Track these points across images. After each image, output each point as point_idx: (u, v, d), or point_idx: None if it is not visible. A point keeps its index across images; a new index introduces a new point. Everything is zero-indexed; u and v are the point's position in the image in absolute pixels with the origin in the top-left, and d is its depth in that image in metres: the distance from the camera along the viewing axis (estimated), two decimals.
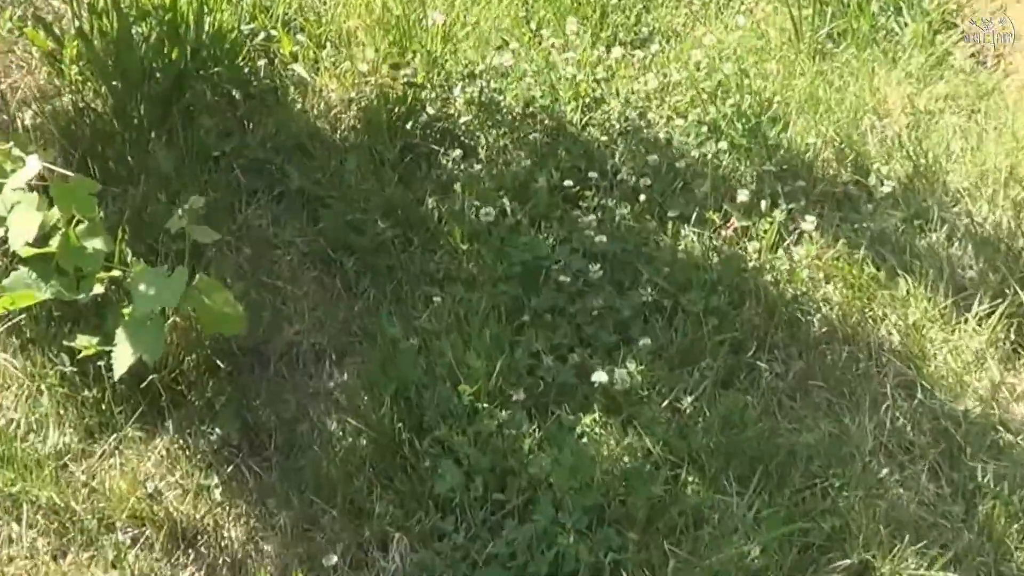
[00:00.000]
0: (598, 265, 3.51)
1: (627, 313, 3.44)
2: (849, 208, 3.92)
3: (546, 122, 4.16)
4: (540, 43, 4.56)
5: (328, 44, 4.51)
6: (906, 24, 4.76)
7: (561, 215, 3.77)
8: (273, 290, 3.65)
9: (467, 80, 4.29)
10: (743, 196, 3.80)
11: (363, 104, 4.21)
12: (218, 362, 3.38)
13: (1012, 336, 3.48)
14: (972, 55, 4.69)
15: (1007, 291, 3.53)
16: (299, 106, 4.27)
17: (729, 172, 3.98)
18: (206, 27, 4.17)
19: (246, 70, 4.32)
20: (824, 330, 3.49)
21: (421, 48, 4.41)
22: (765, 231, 3.72)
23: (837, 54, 4.64)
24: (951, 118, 4.35)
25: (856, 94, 4.40)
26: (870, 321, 3.53)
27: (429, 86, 4.26)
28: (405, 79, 4.25)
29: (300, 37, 4.49)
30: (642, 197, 3.82)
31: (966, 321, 3.49)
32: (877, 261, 3.66)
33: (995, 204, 3.94)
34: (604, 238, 3.64)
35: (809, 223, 3.72)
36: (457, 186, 3.85)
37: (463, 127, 4.16)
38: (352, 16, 4.54)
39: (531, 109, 4.21)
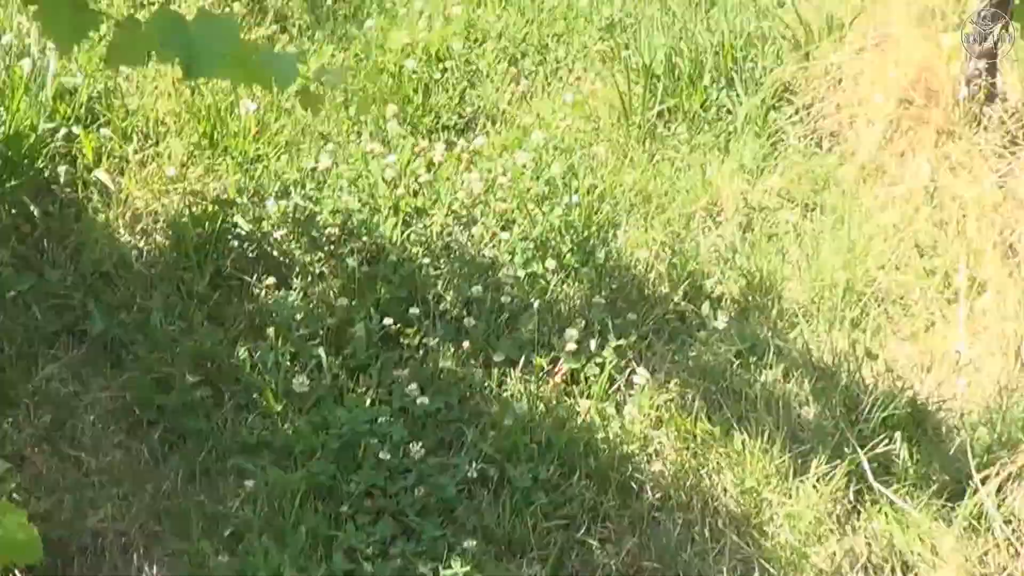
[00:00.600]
0: (420, 444, 3.28)
1: (451, 492, 3.23)
2: (682, 338, 3.75)
3: (365, 239, 3.90)
4: (359, 134, 4.29)
5: (135, 137, 4.19)
6: (739, 98, 4.59)
7: (381, 367, 3.53)
8: (75, 464, 3.36)
9: (280, 193, 4.00)
10: (572, 335, 3.60)
11: (171, 216, 3.90)
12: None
13: (851, 493, 3.36)
14: (806, 135, 4.54)
15: (845, 447, 3.41)
16: (103, 217, 3.95)
17: (558, 299, 3.78)
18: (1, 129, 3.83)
19: (45, 174, 3.98)
20: (658, 495, 3.34)
21: (232, 144, 4.12)
22: (595, 376, 3.53)
23: (668, 137, 4.47)
24: (786, 214, 4.21)
25: (688, 189, 4.23)
26: (705, 480, 3.39)
27: (240, 201, 3.96)
28: (215, 195, 3.96)
29: (105, 131, 4.15)
30: (466, 343, 3.59)
31: (804, 481, 3.35)
32: (711, 411, 3.51)
33: (833, 323, 3.82)
34: (426, 400, 3.41)
35: (641, 375, 3.54)
36: (270, 331, 3.57)
37: (277, 247, 3.88)
38: (161, 100, 4.23)
39: (349, 224, 3.94)
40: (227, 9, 4.96)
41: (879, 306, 3.93)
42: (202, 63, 2.57)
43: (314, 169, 4.08)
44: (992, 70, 4.50)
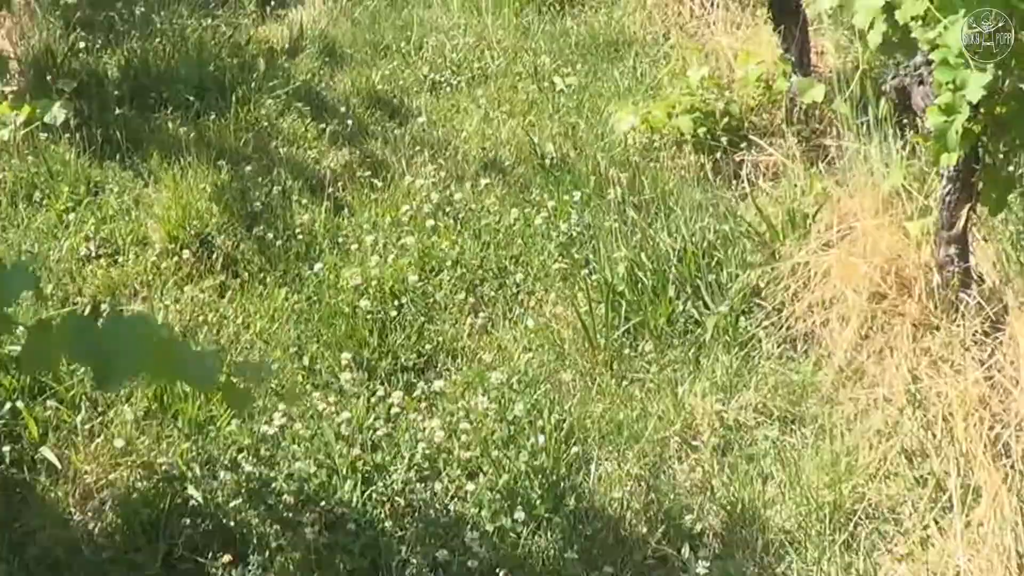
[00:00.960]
0: None
1: None
2: None
3: (323, 504, 3.70)
4: (315, 387, 4.13)
5: (83, 405, 4.04)
6: (706, 308, 4.44)
7: None
8: None
9: (232, 462, 3.82)
10: None
11: (121, 493, 3.72)
12: None
13: None
14: (780, 341, 4.37)
15: None
16: (51, 496, 3.77)
17: (530, 553, 3.56)
18: None
19: None
20: None
21: (182, 408, 3.96)
22: None
23: (636, 358, 4.30)
24: (765, 430, 4.02)
25: (660, 413, 4.05)
26: None
27: (191, 473, 3.78)
28: (165, 469, 3.79)
29: (51, 402, 4.00)
30: None
31: None
32: None
33: (823, 550, 3.59)
34: None
35: None
36: None
37: (232, 519, 3.68)
38: None
39: (306, 490, 3.74)
40: (175, 259, 4.86)
41: (870, 524, 3.71)
42: (114, 370, 2.41)
43: (266, 433, 3.89)
44: (964, 254, 4.35)
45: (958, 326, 4.26)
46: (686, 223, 4.80)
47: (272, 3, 8.56)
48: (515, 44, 7.42)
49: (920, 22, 3.90)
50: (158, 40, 7.17)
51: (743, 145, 5.61)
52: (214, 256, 4.88)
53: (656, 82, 6.54)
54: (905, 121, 4.88)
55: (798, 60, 5.78)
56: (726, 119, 5.63)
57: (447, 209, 5.14)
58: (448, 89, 6.80)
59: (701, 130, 5.55)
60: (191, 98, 6.41)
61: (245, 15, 8.27)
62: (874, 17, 3.52)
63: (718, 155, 5.53)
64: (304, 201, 5.28)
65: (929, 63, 4.15)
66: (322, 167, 5.73)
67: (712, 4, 7.43)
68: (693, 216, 4.87)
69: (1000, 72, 3.63)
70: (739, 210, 5.04)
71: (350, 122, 6.21)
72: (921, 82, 4.32)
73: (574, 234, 4.88)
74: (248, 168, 5.57)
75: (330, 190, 5.36)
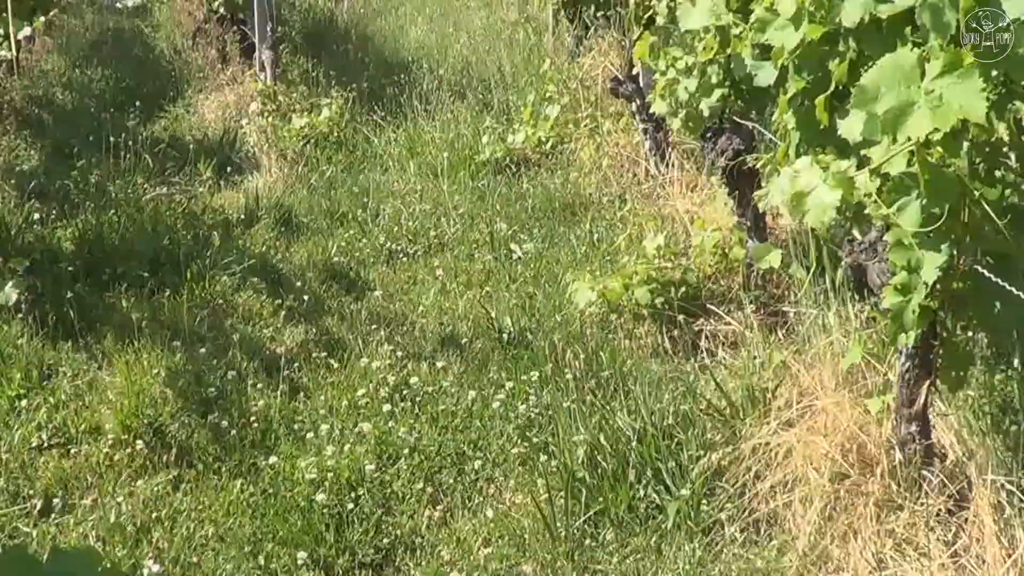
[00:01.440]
0: None
1: None
2: None
3: None
4: None
5: None
6: (668, 492, 4.36)
7: None
8: None
9: None
10: None
11: None
12: None
13: None
14: (743, 526, 4.29)
15: None
16: None
17: None
18: None
19: None
20: None
21: None
22: None
23: (597, 548, 4.21)
24: None
25: None
26: None
27: None
28: None
29: None
30: None
31: None
32: None
33: None
34: None
35: None
36: None
37: None
38: None
39: None
40: (128, 449, 4.76)
41: None
42: None
43: None
44: (925, 431, 4.31)
45: (922, 504, 4.20)
46: (645, 402, 4.74)
47: (228, 169, 8.59)
48: (472, 209, 7.45)
49: (870, 198, 3.91)
50: (113, 211, 7.14)
51: (701, 314, 5.59)
52: (168, 446, 4.77)
53: (613, 247, 6.55)
54: (862, 294, 4.88)
55: (754, 224, 5.81)
56: (683, 288, 5.62)
57: (404, 391, 5.08)
58: (405, 259, 6.79)
59: (658, 300, 5.54)
60: (145, 274, 6.38)
61: (201, 183, 8.29)
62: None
63: (676, 326, 5.51)
64: (259, 385, 5.20)
65: (884, 238, 4.16)
66: (278, 346, 5.66)
67: (667, 165, 7.50)
68: (652, 393, 4.81)
69: (955, 251, 3.63)
70: (698, 384, 4.99)
71: (306, 297, 6.17)
72: (877, 258, 4.31)
73: (532, 415, 4.82)
74: (203, 349, 5.50)
75: (286, 372, 5.29)
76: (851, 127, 3.57)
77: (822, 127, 3.81)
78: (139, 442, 4.78)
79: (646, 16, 7.16)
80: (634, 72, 7.71)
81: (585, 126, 8.55)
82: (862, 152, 3.60)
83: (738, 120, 5.70)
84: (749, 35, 4.36)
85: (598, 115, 8.57)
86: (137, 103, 10.80)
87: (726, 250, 5.73)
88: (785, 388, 4.70)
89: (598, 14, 9.66)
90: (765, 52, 4.38)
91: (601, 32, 9.83)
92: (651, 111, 7.47)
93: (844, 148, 3.75)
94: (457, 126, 9.12)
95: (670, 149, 7.56)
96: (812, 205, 3.13)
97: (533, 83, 9.97)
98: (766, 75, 4.16)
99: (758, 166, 4.53)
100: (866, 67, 3.55)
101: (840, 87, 3.70)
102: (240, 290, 6.30)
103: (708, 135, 5.81)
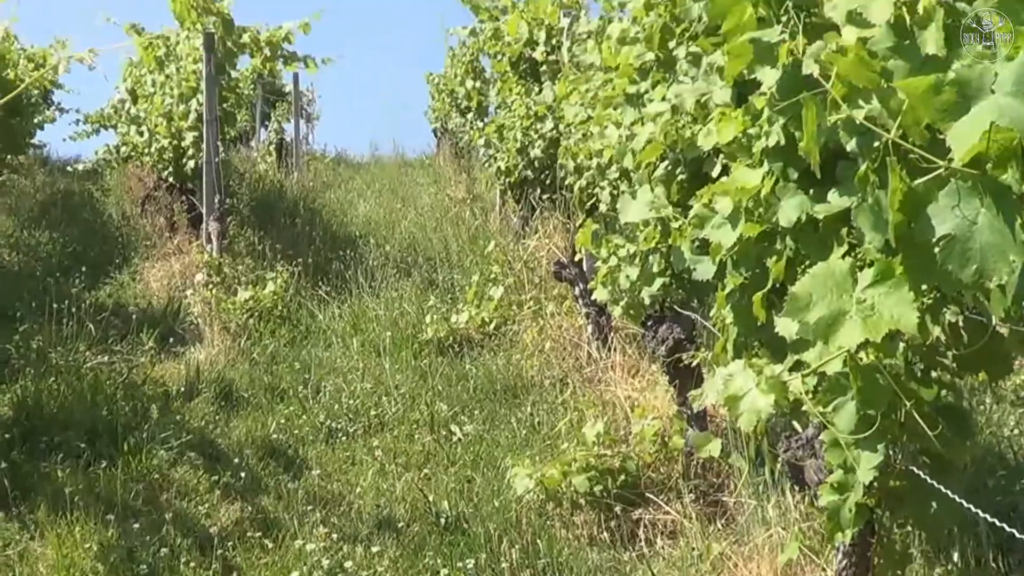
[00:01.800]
0: None
1: None
2: None
3: None
4: None
5: None
6: None
7: None
8: None
9: None
10: None
11: None
12: None
13: None
14: None
15: None
16: None
17: None
18: None
19: None
20: None
21: None
22: None
23: None
24: None
25: None
26: None
27: None
28: None
29: None
30: None
31: None
32: None
33: None
34: None
35: None
36: None
37: None
38: None
39: None
40: None
41: None
42: None
43: None
44: None
45: None
46: None
47: (171, 340, 8.57)
48: (413, 389, 7.45)
49: (811, 395, 3.95)
50: (53, 379, 7.07)
51: (640, 503, 5.58)
52: None
53: (553, 432, 6.55)
54: (798, 496, 4.89)
55: (693, 413, 5.84)
56: (623, 476, 5.62)
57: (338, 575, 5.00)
58: (344, 438, 6.76)
59: (597, 488, 5.52)
60: (82, 445, 6.29)
61: (143, 352, 8.25)
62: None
63: (614, 515, 5.48)
64: (192, 563, 5.10)
65: (820, 435, 4.20)
66: (213, 524, 5.57)
67: (609, 349, 7.55)
68: None
69: (891, 450, 3.66)
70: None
71: (243, 474, 6.10)
72: (814, 455, 4.34)
73: None
74: (136, 524, 5.41)
75: (220, 551, 5.19)
76: (787, 326, 3.63)
77: (759, 323, 3.87)
78: None
79: (590, 202, 7.31)
80: (577, 257, 7.83)
81: (529, 308, 8.63)
82: (798, 353, 3.66)
83: (679, 309, 5.79)
84: (688, 230, 4.45)
85: (542, 297, 8.67)
86: (83, 268, 10.81)
87: (666, 439, 5.74)
88: None
89: (544, 196, 9.84)
90: (704, 245, 4.47)
91: (547, 214, 10.00)
92: (593, 296, 7.60)
93: (781, 344, 3.81)
94: (401, 304, 9.19)
95: (612, 333, 7.64)
96: (745, 409, 3.17)
97: (478, 263, 10.09)
98: (705, 270, 4.23)
99: (694, 363, 4.57)
100: (803, 265, 3.65)
101: (777, 284, 3.78)
102: (177, 464, 6.22)
103: (649, 323, 5.89)
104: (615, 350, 7.47)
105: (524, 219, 10.57)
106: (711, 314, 4.19)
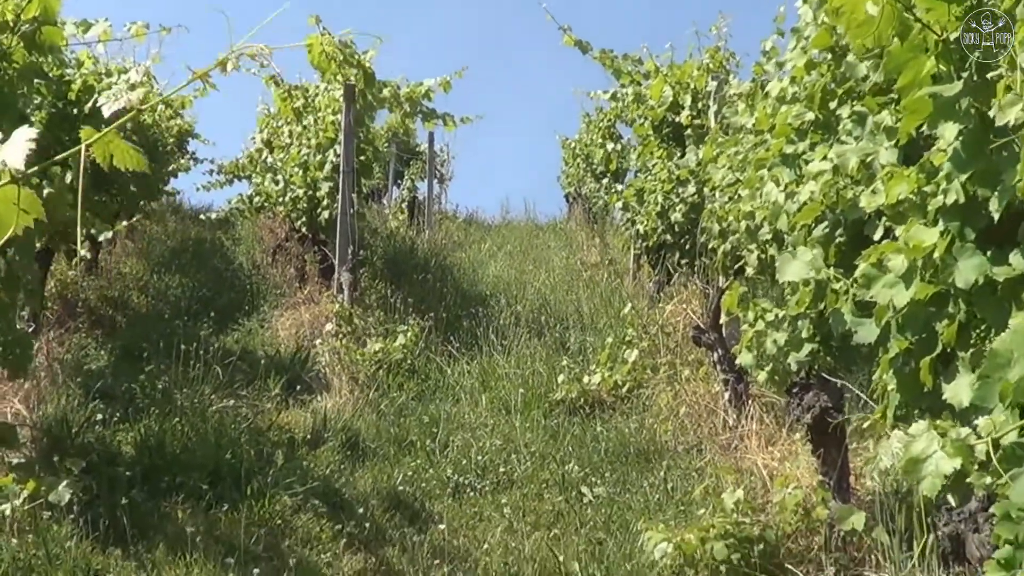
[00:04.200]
0: None
1: None
2: None
3: None
4: None
5: None
6: None
7: None
8: None
9: None
10: None
11: None
12: None
13: None
14: None
15: None
16: None
17: None
18: None
19: None
20: None
21: None
22: None
23: None
24: None
25: None
26: None
27: None
28: None
29: None
30: None
31: None
32: None
33: None
34: None
35: None
36: None
37: None
38: None
39: None
40: None
41: None
42: None
43: None
44: None
45: None
46: None
47: (298, 388, 8.50)
48: (543, 448, 7.27)
49: (976, 467, 3.69)
50: (177, 420, 7.02)
51: (779, 574, 5.31)
52: None
53: (688, 498, 6.32)
54: (958, 569, 4.58)
55: (837, 484, 5.58)
56: (761, 545, 5.36)
57: None
58: (472, 493, 6.59)
59: (735, 556, 5.27)
60: (205, 486, 6.21)
61: (269, 398, 8.20)
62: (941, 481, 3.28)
63: None
64: None
65: (986, 509, 3.93)
66: (335, 572, 5.43)
67: (746, 417, 7.30)
68: None
69: None
70: None
71: (368, 524, 5.97)
72: (976, 530, 4.05)
73: None
74: (257, 570, 5.28)
75: None
76: (958, 392, 3.40)
77: (925, 390, 3.62)
78: None
79: (735, 266, 7.09)
80: (719, 322, 7.60)
81: (663, 372, 8.40)
82: (966, 421, 3.42)
83: (826, 376, 5.53)
84: (851, 291, 4.22)
85: (677, 362, 8.44)
86: (212, 313, 10.84)
87: (808, 508, 5.47)
88: None
89: (682, 261, 9.63)
90: (863, 308, 4.24)
91: (683, 279, 9.79)
92: (734, 362, 7.35)
93: (943, 413, 3.58)
94: (533, 363, 9.02)
95: (750, 401, 7.38)
96: (928, 472, 2.92)
97: (611, 325, 9.90)
98: (867, 333, 3.99)
99: (864, 425, 4.29)
100: (977, 330, 3.41)
101: (949, 349, 3.54)
102: (300, 511, 6.11)
103: (795, 390, 5.65)
104: (752, 418, 7.21)
105: (659, 284, 10.37)
106: (874, 377, 3.94)
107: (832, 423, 5.51)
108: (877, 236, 4.45)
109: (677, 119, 9.60)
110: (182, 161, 16.96)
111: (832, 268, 4.52)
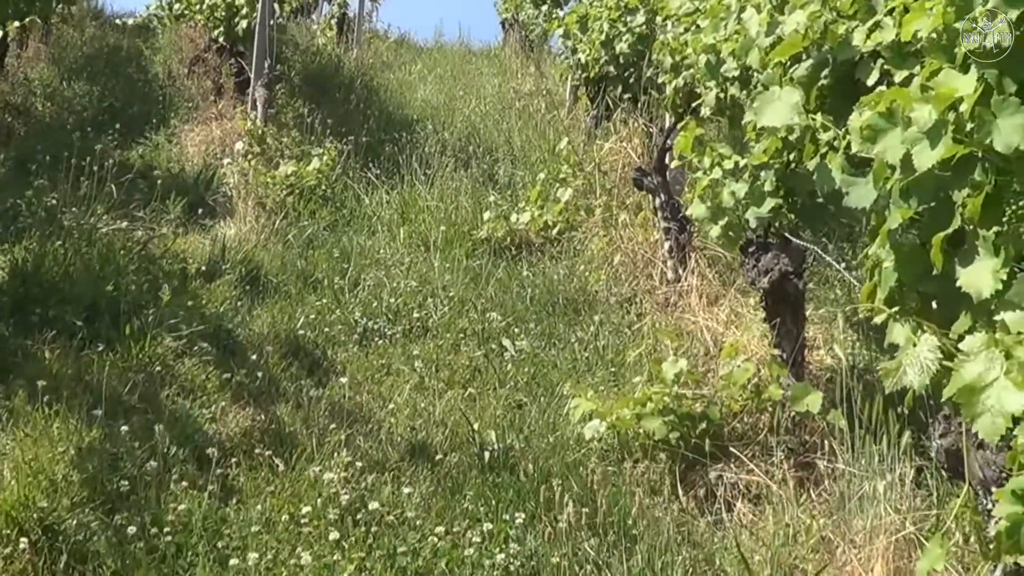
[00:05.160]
0: None
1: None
2: None
3: None
4: None
5: None
6: None
7: None
8: None
9: None
10: None
11: None
12: None
13: None
14: None
15: None
16: None
17: None
18: None
19: None
20: None
21: None
22: None
23: None
24: None
25: None
26: None
27: None
28: None
29: None
30: None
31: None
32: None
33: None
34: None
35: None
36: None
37: None
38: None
39: None
40: (9, 548, 3.82)
41: None
42: None
43: None
44: None
45: None
46: (651, 565, 3.84)
47: (200, 211, 7.72)
48: (462, 292, 6.59)
49: None
50: (60, 243, 6.21)
51: (721, 457, 4.72)
52: (58, 551, 3.83)
53: (620, 359, 5.69)
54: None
55: (791, 357, 4.96)
56: (703, 424, 4.75)
57: (358, 516, 4.15)
58: (380, 342, 5.92)
59: (674, 435, 4.66)
60: (79, 323, 5.45)
61: (168, 222, 7.41)
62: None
63: (692, 467, 4.63)
64: (185, 482, 4.27)
65: None
66: (217, 432, 4.75)
67: (688, 271, 6.64)
68: (661, 556, 3.92)
69: None
70: (715, 549, 4.10)
71: (260, 374, 5.27)
72: (981, 446, 3.36)
73: (512, 568, 3.90)
74: (125, 427, 4.56)
75: (220, 469, 4.37)
76: (976, 279, 2.74)
77: (934, 272, 2.95)
78: (23, 540, 3.83)
79: (687, 105, 6.34)
80: (664, 165, 6.88)
81: (599, 214, 7.70)
82: (979, 316, 2.77)
83: (788, 236, 4.87)
84: (843, 142, 3.50)
85: (613, 204, 7.74)
86: (117, 125, 9.93)
87: (759, 385, 4.84)
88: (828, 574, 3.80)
89: (625, 96, 8.85)
90: (856, 166, 3.54)
91: (624, 115, 9.03)
92: (678, 210, 6.65)
93: (956, 302, 2.92)
94: (457, 196, 8.27)
95: (692, 254, 6.72)
96: (988, 407, 2.22)
97: (544, 160, 9.14)
98: (862, 195, 3.27)
99: (880, 372, 3.49)
100: (1013, 206, 2.72)
101: (970, 226, 2.85)
102: (185, 356, 5.40)
103: (751, 249, 4.97)
104: (694, 273, 6.55)
105: (598, 119, 9.59)
106: (865, 253, 3.25)
107: (791, 291, 4.87)
108: (871, 81, 3.72)
109: None
110: None
111: (822, 114, 3.80)
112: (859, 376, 4.68)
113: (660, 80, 6.86)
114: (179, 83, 12.24)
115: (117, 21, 16.56)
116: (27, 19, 10.00)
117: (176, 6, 14.19)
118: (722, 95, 5.35)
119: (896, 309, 3.16)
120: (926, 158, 2.73)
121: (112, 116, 10.52)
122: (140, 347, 5.28)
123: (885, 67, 3.61)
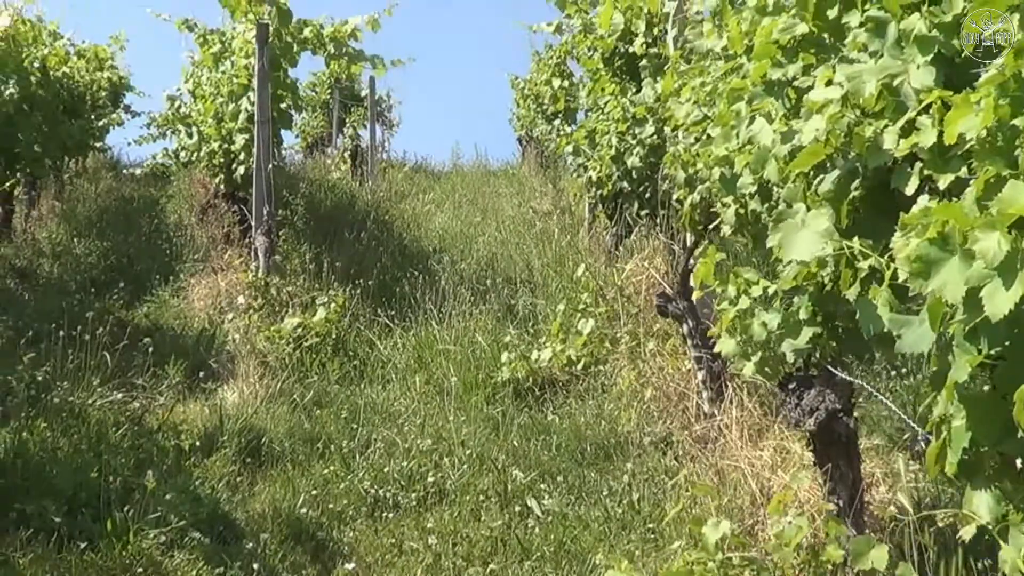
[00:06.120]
0: None
1: None
2: None
3: None
4: None
5: None
6: None
7: None
8: None
9: None
10: None
11: None
12: None
13: None
14: None
15: None
16: None
17: None
18: None
19: None
20: None
21: None
22: None
23: None
24: None
25: None
26: None
27: None
28: None
29: None
30: None
31: None
32: None
33: None
34: None
35: None
36: None
37: None
38: None
39: None
40: None
41: None
42: None
43: None
44: None
45: None
46: None
47: (202, 374, 7.22)
48: (482, 448, 6.03)
49: None
50: (45, 424, 5.70)
51: None
52: None
53: (657, 513, 5.11)
54: None
55: (847, 504, 4.37)
56: None
57: None
58: (391, 515, 5.35)
59: None
60: (58, 519, 4.92)
61: (170, 386, 6.92)
62: None
63: None
64: None
65: None
66: None
67: (725, 401, 6.06)
68: None
69: None
70: None
71: (256, 566, 4.71)
72: None
73: None
74: None
75: None
76: None
77: (1020, 435, 2.40)
78: None
79: (706, 222, 5.83)
80: (688, 287, 6.33)
81: (624, 344, 7.16)
82: None
83: (830, 369, 4.31)
84: (888, 272, 2.96)
85: (640, 332, 7.19)
86: (122, 283, 9.52)
87: (815, 545, 4.24)
88: None
89: (642, 212, 8.37)
90: (904, 297, 2.98)
91: (645, 232, 8.54)
92: (708, 336, 6.09)
93: None
94: (474, 335, 7.74)
95: (729, 382, 6.14)
96: None
97: (564, 288, 8.63)
98: (917, 337, 2.70)
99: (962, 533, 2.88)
100: None
101: None
102: (175, 548, 4.85)
103: (792, 385, 4.40)
104: (732, 403, 5.97)
105: (618, 237, 9.10)
106: (933, 410, 2.70)
107: (842, 431, 4.30)
108: (910, 191, 3.18)
109: (630, 49, 8.32)
110: (114, 115, 15.79)
111: (859, 239, 3.26)
112: (930, 523, 4.10)
113: (676, 196, 6.37)
114: (190, 232, 11.89)
115: (132, 171, 16.53)
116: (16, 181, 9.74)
117: (183, 154, 14.00)
118: (742, 210, 4.85)
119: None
120: (1002, 302, 2.17)
121: (120, 272, 10.15)
122: (123, 544, 4.74)
123: (925, 172, 3.09)
